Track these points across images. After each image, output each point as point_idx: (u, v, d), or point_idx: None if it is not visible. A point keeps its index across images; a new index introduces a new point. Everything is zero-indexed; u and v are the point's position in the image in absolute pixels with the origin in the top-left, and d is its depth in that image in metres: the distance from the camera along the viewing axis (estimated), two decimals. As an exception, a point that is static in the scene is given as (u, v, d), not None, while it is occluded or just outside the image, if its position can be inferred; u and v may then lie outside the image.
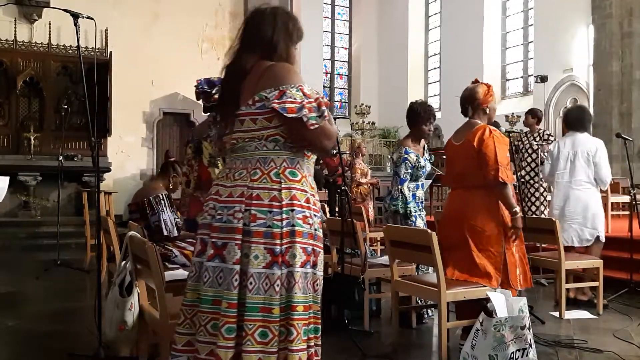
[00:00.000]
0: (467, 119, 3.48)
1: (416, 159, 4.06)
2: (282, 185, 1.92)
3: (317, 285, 2.00)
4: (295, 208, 1.92)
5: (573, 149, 4.70)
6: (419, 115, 4.08)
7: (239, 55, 2.05)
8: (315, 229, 1.99)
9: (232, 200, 1.93)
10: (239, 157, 1.99)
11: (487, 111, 3.43)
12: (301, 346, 1.88)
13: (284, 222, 1.90)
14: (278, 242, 1.89)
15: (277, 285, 1.87)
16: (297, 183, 1.96)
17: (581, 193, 4.66)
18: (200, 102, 3.25)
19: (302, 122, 1.88)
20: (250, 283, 1.87)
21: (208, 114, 3.12)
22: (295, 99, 1.88)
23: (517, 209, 3.29)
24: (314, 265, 1.98)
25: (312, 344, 1.96)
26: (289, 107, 1.87)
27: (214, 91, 3.10)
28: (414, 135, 4.16)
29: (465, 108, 3.47)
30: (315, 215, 2.00)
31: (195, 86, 3.18)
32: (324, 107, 1.92)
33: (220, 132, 2.09)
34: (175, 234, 3.99)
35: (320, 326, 2.02)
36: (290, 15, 2.13)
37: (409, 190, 4.09)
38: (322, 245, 2.04)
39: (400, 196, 4.06)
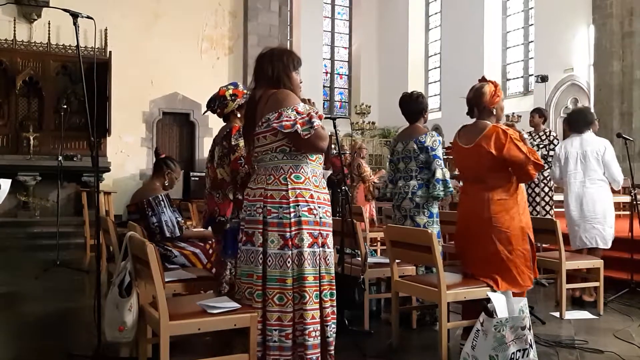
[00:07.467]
0: (474, 119, 3.38)
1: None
2: (289, 187, 2.50)
3: (327, 259, 2.57)
4: (300, 203, 2.49)
5: (582, 148, 4.71)
6: (420, 103, 4.07)
7: (252, 91, 2.67)
8: (321, 217, 2.54)
9: (255, 199, 2.55)
10: (261, 166, 2.61)
11: (495, 111, 3.33)
12: (314, 306, 2.49)
13: (292, 215, 2.48)
14: (287, 230, 2.48)
15: (289, 262, 2.47)
16: (301, 184, 2.52)
17: (595, 191, 4.64)
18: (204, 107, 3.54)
19: (297, 133, 2.44)
20: (269, 260, 2.48)
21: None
22: (290, 117, 2.46)
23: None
24: (323, 245, 2.55)
25: (328, 305, 2.55)
26: (285, 125, 2.45)
27: (215, 106, 3.36)
28: (422, 124, 4.11)
29: (472, 109, 3.38)
30: (319, 206, 2.54)
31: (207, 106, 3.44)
32: (314, 119, 2.45)
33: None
34: (178, 233, 3.98)
35: (335, 291, 2.60)
36: (285, 49, 2.70)
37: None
38: (330, 229, 2.58)
39: (442, 181, 3.87)
